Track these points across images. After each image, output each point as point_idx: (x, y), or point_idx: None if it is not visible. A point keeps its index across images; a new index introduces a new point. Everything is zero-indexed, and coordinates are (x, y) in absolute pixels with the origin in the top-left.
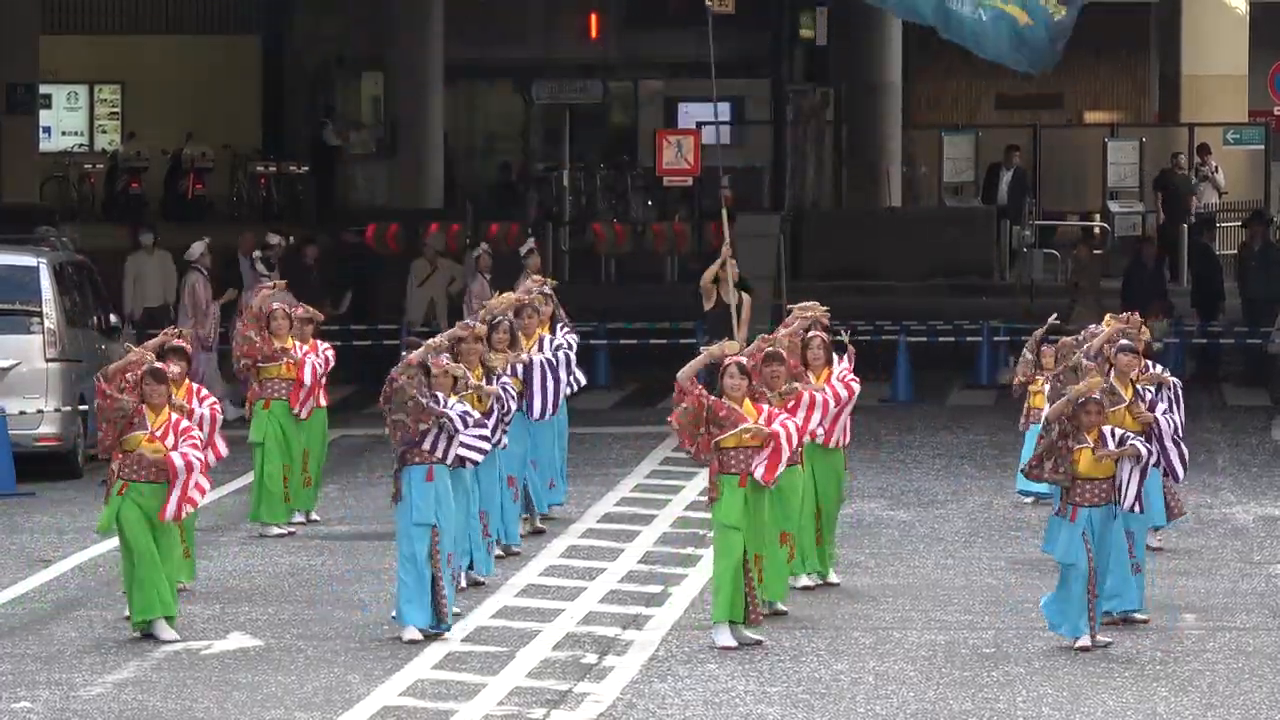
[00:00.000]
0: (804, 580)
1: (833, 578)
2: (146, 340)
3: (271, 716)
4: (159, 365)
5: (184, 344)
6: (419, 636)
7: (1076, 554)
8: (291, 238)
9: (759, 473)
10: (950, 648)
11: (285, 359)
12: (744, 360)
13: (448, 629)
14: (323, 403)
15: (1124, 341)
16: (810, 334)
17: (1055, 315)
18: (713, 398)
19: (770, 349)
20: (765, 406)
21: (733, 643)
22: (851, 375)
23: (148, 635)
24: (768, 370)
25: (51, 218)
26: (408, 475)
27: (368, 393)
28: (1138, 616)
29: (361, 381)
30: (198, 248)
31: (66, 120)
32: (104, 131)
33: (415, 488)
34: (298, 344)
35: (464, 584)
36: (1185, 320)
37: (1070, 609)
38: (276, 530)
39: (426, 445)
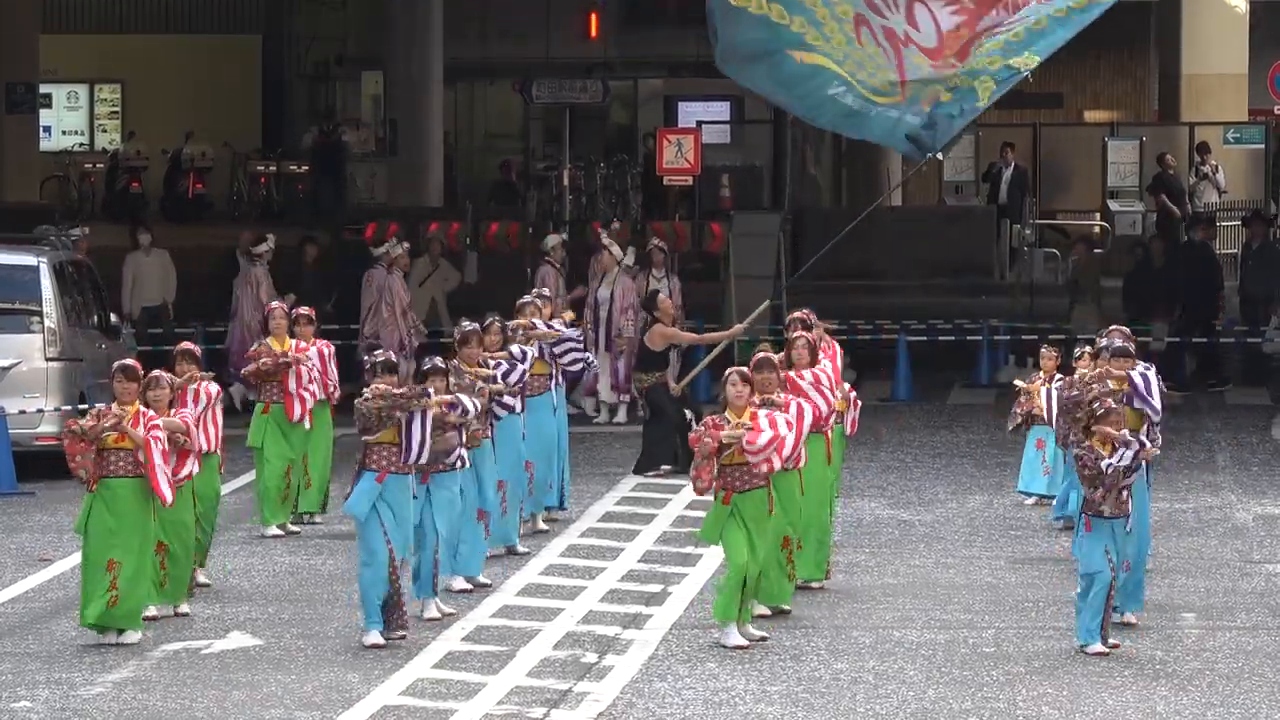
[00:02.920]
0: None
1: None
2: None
3: (271, 716)
4: (130, 362)
5: (193, 347)
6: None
7: (1099, 564)
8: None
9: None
10: (950, 647)
11: (285, 366)
12: (745, 369)
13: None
14: (335, 397)
15: (1117, 344)
16: (794, 334)
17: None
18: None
19: (761, 355)
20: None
21: (743, 642)
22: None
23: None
24: (759, 378)
25: (52, 217)
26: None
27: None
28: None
29: (357, 381)
30: (552, 239)
31: (67, 120)
32: (104, 131)
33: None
34: (296, 344)
35: (456, 586)
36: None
37: (1086, 615)
38: (275, 530)
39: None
